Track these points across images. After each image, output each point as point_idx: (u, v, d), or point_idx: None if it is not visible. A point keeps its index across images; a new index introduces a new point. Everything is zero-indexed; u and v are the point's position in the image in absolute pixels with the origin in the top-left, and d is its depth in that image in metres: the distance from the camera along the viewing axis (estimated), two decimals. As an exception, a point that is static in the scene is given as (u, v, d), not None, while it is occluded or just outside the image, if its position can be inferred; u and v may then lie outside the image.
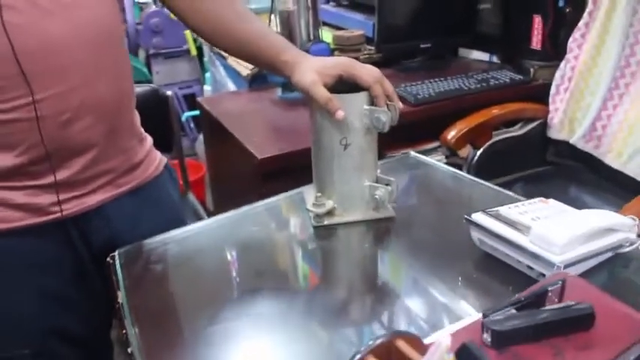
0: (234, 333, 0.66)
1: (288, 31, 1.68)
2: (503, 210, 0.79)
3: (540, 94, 1.66)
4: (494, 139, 1.53)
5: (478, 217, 0.77)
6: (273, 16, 1.76)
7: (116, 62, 0.83)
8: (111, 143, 0.83)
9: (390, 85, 0.84)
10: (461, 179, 1.06)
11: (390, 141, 1.38)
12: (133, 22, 3.07)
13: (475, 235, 0.78)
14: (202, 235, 0.90)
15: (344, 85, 0.84)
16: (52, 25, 0.72)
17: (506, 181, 1.51)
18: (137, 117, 0.92)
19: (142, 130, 0.94)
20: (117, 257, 0.80)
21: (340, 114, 0.81)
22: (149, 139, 0.96)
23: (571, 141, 1.57)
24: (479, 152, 1.50)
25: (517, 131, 1.59)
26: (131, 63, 0.91)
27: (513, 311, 0.56)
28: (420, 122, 1.53)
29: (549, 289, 0.59)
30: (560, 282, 0.59)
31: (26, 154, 0.75)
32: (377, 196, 0.86)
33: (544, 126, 1.62)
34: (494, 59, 1.95)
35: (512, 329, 0.54)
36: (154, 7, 3.22)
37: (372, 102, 0.83)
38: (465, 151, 1.54)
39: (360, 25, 1.98)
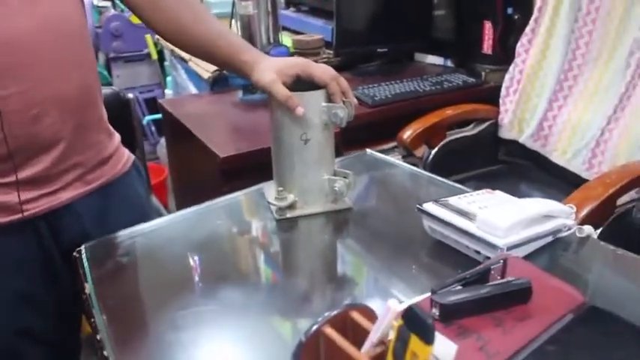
0: (200, 320, 0.69)
1: (249, 35, 1.72)
2: (453, 200, 0.84)
3: (491, 96, 1.73)
4: (448, 138, 1.60)
5: (429, 206, 0.82)
6: (234, 21, 1.80)
7: (81, 57, 0.85)
8: (79, 138, 0.85)
9: (345, 82, 0.89)
10: (415, 175, 1.12)
11: (348, 141, 1.43)
12: (92, 25, 3.05)
13: (427, 223, 0.83)
14: (167, 229, 0.93)
15: (301, 84, 0.88)
16: (18, 21, 0.74)
17: (459, 179, 1.57)
18: (104, 112, 0.94)
19: (110, 126, 0.96)
20: (83, 251, 0.82)
21: (300, 110, 0.85)
22: (117, 136, 0.98)
23: (520, 140, 1.65)
24: (433, 151, 1.57)
25: (470, 131, 1.66)
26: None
27: (459, 288, 0.61)
28: (377, 123, 1.58)
29: (492, 267, 0.64)
30: (501, 261, 0.65)
31: None
32: (336, 188, 0.91)
33: (495, 126, 1.69)
34: (449, 63, 2.03)
35: (458, 303, 0.59)
36: (113, 11, 3.21)
37: (329, 99, 0.88)
38: (421, 151, 1.60)
39: (319, 29, 2.04)
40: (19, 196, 0.80)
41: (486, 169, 1.70)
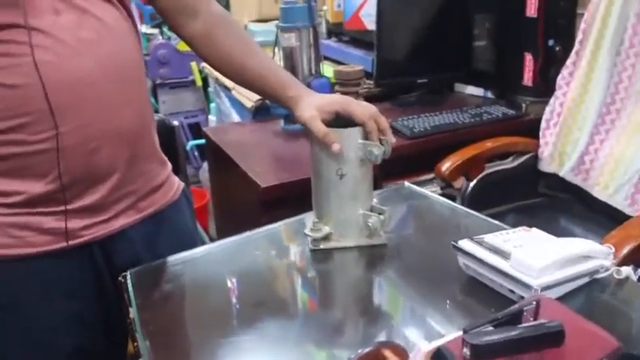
0: (238, 350, 0.72)
1: (291, 65, 1.77)
2: (488, 237, 0.85)
3: (531, 129, 1.73)
4: (487, 171, 1.60)
5: (464, 243, 0.83)
6: (276, 50, 1.85)
7: (137, 91, 0.90)
8: (133, 168, 0.89)
9: (384, 121, 0.91)
10: (453, 209, 1.12)
11: (386, 173, 1.45)
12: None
13: (461, 260, 0.84)
14: (209, 257, 0.96)
15: (341, 120, 0.91)
16: (79, 62, 0.79)
17: (498, 212, 1.56)
18: (157, 141, 0.98)
19: (163, 155, 1.01)
20: (129, 277, 0.86)
21: (336, 147, 0.87)
22: (169, 165, 1.02)
23: (560, 174, 1.63)
24: (472, 184, 1.57)
25: (509, 164, 1.66)
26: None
27: (491, 328, 0.62)
28: (416, 155, 1.60)
29: (525, 308, 0.65)
30: (534, 302, 0.65)
31: (53, 182, 0.81)
32: (370, 224, 0.92)
33: (535, 159, 1.68)
34: (489, 94, 2.03)
35: (489, 344, 0.59)
36: (160, 39, 3.34)
37: (367, 136, 0.90)
38: (459, 183, 1.60)
39: (360, 60, 2.07)
40: (66, 224, 0.85)
41: (526, 202, 1.68)
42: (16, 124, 0.78)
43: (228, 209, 1.82)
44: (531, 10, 1.76)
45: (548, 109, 1.67)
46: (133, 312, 0.79)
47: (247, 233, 1.01)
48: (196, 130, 3.18)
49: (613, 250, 0.85)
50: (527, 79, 1.82)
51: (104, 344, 0.96)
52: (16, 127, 0.78)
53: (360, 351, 0.50)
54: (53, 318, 0.88)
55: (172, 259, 0.92)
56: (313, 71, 1.78)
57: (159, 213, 0.96)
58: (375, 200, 0.97)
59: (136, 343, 0.73)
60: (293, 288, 0.90)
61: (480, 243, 0.83)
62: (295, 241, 0.99)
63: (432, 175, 1.62)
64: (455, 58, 2.03)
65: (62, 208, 0.84)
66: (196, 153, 3.15)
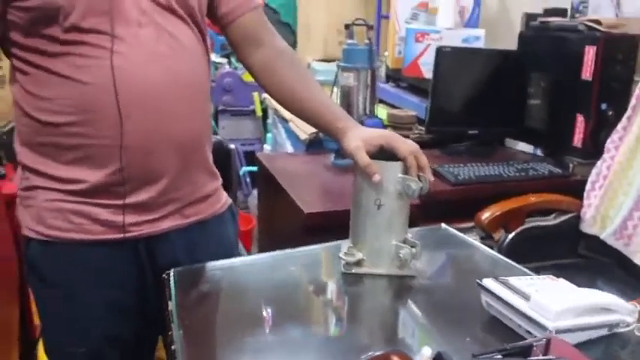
0: (260, 351, 0.77)
1: (347, 103, 1.85)
2: (513, 279, 0.88)
3: (577, 189, 1.74)
4: (527, 225, 1.62)
5: (488, 282, 0.87)
6: (335, 88, 1.94)
7: (200, 107, 1.00)
8: (182, 175, 0.98)
9: (424, 159, 0.97)
10: (484, 254, 1.15)
11: (427, 216, 1.49)
12: (207, 79, 3.36)
13: (484, 298, 0.88)
14: (247, 267, 1.03)
15: (385, 154, 0.98)
16: (151, 72, 0.90)
17: (534, 268, 1.55)
18: (210, 156, 1.07)
19: (214, 168, 1.09)
20: (172, 275, 0.94)
21: (376, 177, 0.94)
22: (219, 179, 1.11)
23: (602, 237, 1.63)
24: (510, 236, 1.59)
25: (550, 221, 1.67)
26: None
27: (500, 356, 0.66)
28: (458, 202, 1.64)
29: (535, 344, 0.68)
30: (545, 340, 0.69)
31: (114, 174, 0.91)
32: (401, 255, 0.97)
33: (577, 219, 1.69)
34: (539, 152, 2.05)
35: (496, 371, 0.63)
36: (227, 68, 3.51)
37: (407, 172, 0.96)
38: (499, 235, 1.63)
39: (414, 106, 2.14)
40: (123, 218, 0.94)
41: (564, 261, 1.68)
42: (85, 118, 0.88)
43: (272, 235, 1.89)
44: (587, 72, 1.79)
45: (594, 171, 1.68)
46: (171, 305, 0.86)
47: (286, 251, 1.08)
48: (250, 158, 3.31)
49: (639, 308, 0.87)
50: (578, 140, 1.84)
51: (136, 335, 1.03)
52: (85, 121, 0.88)
53: (370, 353, 0.55)
54: (96, 301, 0.97)
55: (213, 264, 0.99)
56: (368, 111, 1.85)
57: (203, 222, 1.04)
58: (409, 235, 1.02)
59: (170, 332, 0.80)
60: (321, 305, 0.95)
61: (504, 283, 0.87)
62: (330, 263, 1.04)
63: (471, 224, 1.65)
64: (508, 113, 2.07)
65: (121, 202, 0.93)
66: (248, 179, 3.27)
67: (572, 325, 0.78)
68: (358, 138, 0.98)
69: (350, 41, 1.83)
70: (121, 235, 0.95)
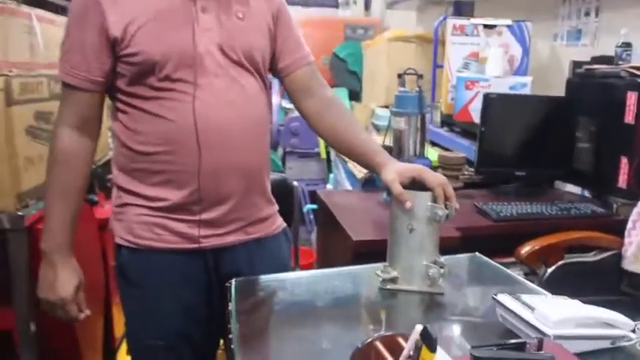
0: (310, 350, 0.94)
1: (399, 145, 2.01)
2: (525, 296, 1.01)
3: (620, 229, 1.80)
4: (567, 260, 1.70)
5: (502, 297, 1.00)
6: (388, 131, 2.11)
7: (261, 142, 1.22)
8: (246, 198, 1.19)
9: (451, 190, 1.13)
10: (514, 280, 1.27)
11: (468, 249, 1.61)
12: (277, 123, 3.63)
13: (499, 311, 1.00)
14: (298, 281, 1.22)
15: (417, 185, 1.14)
16: (224, 114, 1.13)
17: (575, 302, 1.64)
18: (268, 185, 1.28)
19: (272, 196, 1.30)
20: (233, 283, 1.12)
21: (408, 204, 1.10)
22: (276, 206, 1.32)
23: (643, 274, 1.69)
24: (549, 270, 1.68)
25: (590, 257, 1.75)
26: (270, 156, 1.29)
27: (495, 349, 0.79)
28: (499, 237, 1.74)
29: (529, 342, 0.81)
30: (537, 340, 0.81)
31: (189, 195, 1.13)
32: (430, 274, 1.12)
33: (619, 257, 1.75)
34: (586, 193, 2.13)
35: (490, 358, 0.77)
36: (295, 113, 3.77)
37: (435, 200, 1.11)
38: (541, 270, 1.72)
39: (464, 148, 2.28)
40: (198, 231, 1.15)
41: (606, 298, 1.73)
42: (171, 149, 1.12)
43: (326, 263, 2.05)
44: (629, 116, 1.88)
45: (635, 210, 1.75)
46: (232, 306, 1.04)
47: (333, 269, 1.25)
48: (314, 197, 3.51)
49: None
50: (622, 181, 1.92)
51: (202, 333, 1.23)
52: (170, 151, 1.12)
53: (377, 334, 0.71)
54: (170, 300, 1.18)
55: (268, 277, 1.18)
56: (417, 152, 2.01)
57: (262, 240, 1.25)
58: (442, 259, 1.17)
59: (229, 326, 0.98)
60: (360, 314, 1.11)
61: (517, 299, 0.99)
62: (369, 280, 1.20)
63: (513, 259, 1.75)
64: (556, 156, 2.16)
65: (196, 218, 1.14)
66: (311, 217, 3.46)
67: (570, 334, 0.89)
68: (393, 171, 1.15)
69: (402, 89, 2.00)
70: (195, 246, 1.16)
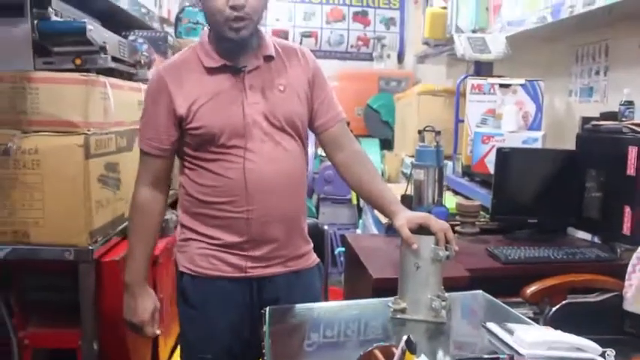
0: None
1: (419, 194, 2.23)
2: (512, 325, 1.20)
3: (623, 273, 1.95)
4: (570, 300, 1.86)
5: (491, 325, 1.20)
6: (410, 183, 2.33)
7: (299, 192, 1.49)
8: (287, 239, 1.45)
9: (451, 234, 1.34)
10: (511, 314, 1.45)
11: (478, 289, 1.79)
12: (312, 171, 3.89)
13: (487, 337, 1.20)
14: (325, 310, 1.46)
15: (424, 230, 1.35)
16: (269, 171, 1.40)
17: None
18: (305, 226, 1.54)
19: (308, 236, 1.55)
20: (267, 310, 1.35)
21: (414, 246, 1.31)
22: (311, 243, 1.57)
23: (642, 314, 1.83)
24: (553, 309, 1.84)
25: (593, 298, 1.90)
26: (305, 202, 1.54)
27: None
28: (507, 279, 1.91)
29: (501, 356, 1.00)
30: (507, 355, 1.01)
31: (241, 237, 1.40)
32: (434, 306, 1.32)
33: (620, 298, 1.90)
34: (596, 239, 2.28)
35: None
36: (329, 162, 4.04)
37: (438, 243, 1.33)
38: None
39: (482, 197, 2.47)
40: (245, 264, 1.42)
41: (609, 337, 1.87)
42: (226, 200, 1.39)
43: (351, 298, 2.25)
44: (631, 169, 2.05)
45: (635, 254, 1.90)
46: (265, 328, 1.27)
47: (354, 301, 1.47)
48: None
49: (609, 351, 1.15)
50: (626, 228, 2.07)
51: (243, 350, 1.46)
52: (225, 202, 1.38)
53: (376, 344, 0.92)
54: (220, 320, 1.43)
55: (299, 306, 1.41)
56: (436, 201, 2.22)
57: (299, 272, 1.49)
58: (447, 294, 1.37)
59: (262, 342, 1.20)
60: (373, 338, 1.32)
61: (503, 327, 1.19)
62: (383, 311, 1.40)
63: (520, 299, 1.91)
64: (566, 204, 2.32)
65: (245, 253, 1.40)
66: (342, 259, 3.66)
67: (542, 355, 1.08)
68: (403, 218, 1.37)
69: (421, 144, 2.24)
70: (243, 275, 1.42)
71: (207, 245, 1.43)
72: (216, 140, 1.38)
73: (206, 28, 1.50)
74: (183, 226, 1.48)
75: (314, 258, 1.57)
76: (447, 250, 1.32)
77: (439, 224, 1.35)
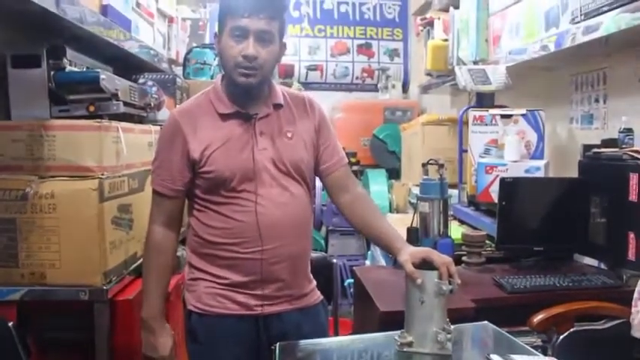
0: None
1: (425, 225, 2.27)
2: (517, 356, 1.23)
3: (629, 299, 1.97)
4: (576, 328, 1.88)
5: (494, 357, 1.23)
6: (416, 215, 2.38)
7: (305, 234, 1.55)
8: (292, 278, 1.50)
9: (453, 268, 1.38)
10: (516, 345, 1.48)
11: (484, 319, 1.81)
12: (319, 204, 3.94)
13: (491, 369, 1.23)
14: (332, 344, 1.49)
15: (427, 264, 1.39)
16: (277, 214, 1.47)
17: (588, 369, 1.81)
18: (309, 266, 1.59)
19: (311, 275, 1.60)
20: (277, 346, 1.39)
21: (418, 281, 1.35)
22: (314, 282, 1.62)
23: (651, 341, 1.84)
24: (560, 337, 1.86)
25: (600, 325, 1.92)
26: (313, 235, 1.60)
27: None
28: (513, 308, 1.94)
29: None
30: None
31: (250, 276, 1.45)
32: (438, 339, 1.35)
33: (629, 326, 1.91)
34: (602, 265, 2.30)
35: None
36: (338, 194, 4.09)
37: (441, 277, 1.36)
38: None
39: (487, 226, 2.50)
40: (254, 302, 1.47)
41: (618, 364, 1.90)
42: (236, 241, 1.44)
43: (360, 331, 2.27)
44: (633, 195, 2.08)
45: (640, 281, 1.93)
46: (276, 363, 1.31)
47: (361, 335, 1.50)
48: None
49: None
50: (631, 254, 2.09)
51: None
52: (236, 243, 1.44)
53: None
54: (228, 356, 1.47)
55: (306, 341, 1.46)
56: (441, 232, 2.25)
57: (304, 309, 1.54)
58: (452, 327, 1.40)
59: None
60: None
61: (507, 358, 1.22)
62: (390, 344, 1.44)
63: (526, 328, 1.93)
64: (571, 231, 2.35)
65: (252, 292, 1.46)
66: (352, 290, 3.68)
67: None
68: (407, 253, 1.42)
69: (425, 177, 2.29)
70: (250, 312, 1.47)
71: (215, 284, 1.49)
72: (227, 184, 1.45)
73: (219, 75, 1.59)
74: (191, 265, 1.54)
75: (317, 295, 1.62)
76: (450, 283, 1.36)
77: (441, 258, 1.39)
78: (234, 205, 1.47)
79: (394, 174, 4.53)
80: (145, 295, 1.54)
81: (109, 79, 1.87)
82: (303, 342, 1.44)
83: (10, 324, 1.59)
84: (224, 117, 1.50)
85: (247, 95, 1.49)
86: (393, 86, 5.49)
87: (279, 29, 1.48)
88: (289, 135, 1.52)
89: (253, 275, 1.46)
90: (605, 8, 2.01)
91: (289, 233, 1.48)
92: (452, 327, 1.38)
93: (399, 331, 1.46)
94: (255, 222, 1.45)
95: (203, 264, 1.51)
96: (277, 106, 1.54)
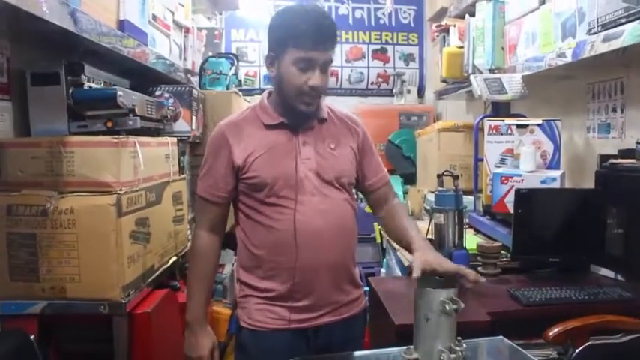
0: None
1: (440, 237, 2.27)
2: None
3: (646, 312, 1.96)
4: (591, 342, 1.87)
5: (507, 375, 1.23)
6: (431, 225, 2.38)
7: (347, 242, 1.60)
8: (333, 287, 1.55)
9: (467, 270, 1.43)
10: (525, 357, 1.48)
11: (500, 332, 1.81)
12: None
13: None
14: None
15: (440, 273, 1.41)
16: (317, 222, 1.51)
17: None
18: (356, 272, 1.64)
19: (359, 280, 1.65)
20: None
21: (414, 282, 1.38)
22: (362, 288, 1.67)
23: (667, 355, 1.83)
24: (577, 351, 1.85)
25: (616, 339, 1.90)
26: None
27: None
28: (528, 321, 1.93)
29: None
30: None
31: (288, 286, 1.50)
32: (441, 358, 1.35)
33: (645, 339, 1.90)
34: (619, 277, 2.29)
35: None
36: (354, 201, 4.11)
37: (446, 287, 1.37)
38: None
39: (503, 236, 2.50)
40: (299, 315, 1.54)
41: (636, 379, 1.88)
42: (276, 250, 1.51)
43: (376, 343, 2.28)
44: (650, 208, 2.08)
45: (656, 295, 1.91)
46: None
47: (372, 351, 1.52)
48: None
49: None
50: (649, 267, 2.08)
51: None
52: (276, 252, 1.51)
53: None
54: None
55: (333, 355, 1.50)
56: (456, 243, 2.25)
57: (351, 318, 1.61)
58: (464, 345, 1.40)
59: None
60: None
61: (519, 377, 1.22)
62: (400, 360, 1.45)
63: (541, 340, 1.92)
64: (588, 242, 2.33)
65: (294, 304, 1.52)
66: (367, 298, 3.69)
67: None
68: (422, 259, 1.44)
69: (440, 188, 2.29)
70: (296, 325, 1.54)
71: (262, 300, 1.56)
72: (269, 189, 1.51)
73: (266, 91, 1.69)
74: (241, 282, 1.62)
75: (364, 303, 1.70)
76: (454, 302, 1.35)
77: (452, 267, 1.44)
78: (274, 212, 1.53)
79: (410, 179, 4.52)
80: (188, 299, 1.64)
81: (125, 94, 1.91)
82: (315, 357, 1.47)
83: (32, 337, 1.63)
84: (269, 127, 1.59)
85: (300, 115, 1.57)
86: (409, 91, 5.49)
87: None
88: (332, 146, 1.59)
89: (290, 283, 1.51)
90: (622, 20, 2.00)
91: (329, 241, 1.52)
92: (464, 344, 1.39)
93: (406, 347, 1.46)
94: (292, 229, 1.50)
95: (249, 278, 1.58)
96: (321, 121, 1.63)
